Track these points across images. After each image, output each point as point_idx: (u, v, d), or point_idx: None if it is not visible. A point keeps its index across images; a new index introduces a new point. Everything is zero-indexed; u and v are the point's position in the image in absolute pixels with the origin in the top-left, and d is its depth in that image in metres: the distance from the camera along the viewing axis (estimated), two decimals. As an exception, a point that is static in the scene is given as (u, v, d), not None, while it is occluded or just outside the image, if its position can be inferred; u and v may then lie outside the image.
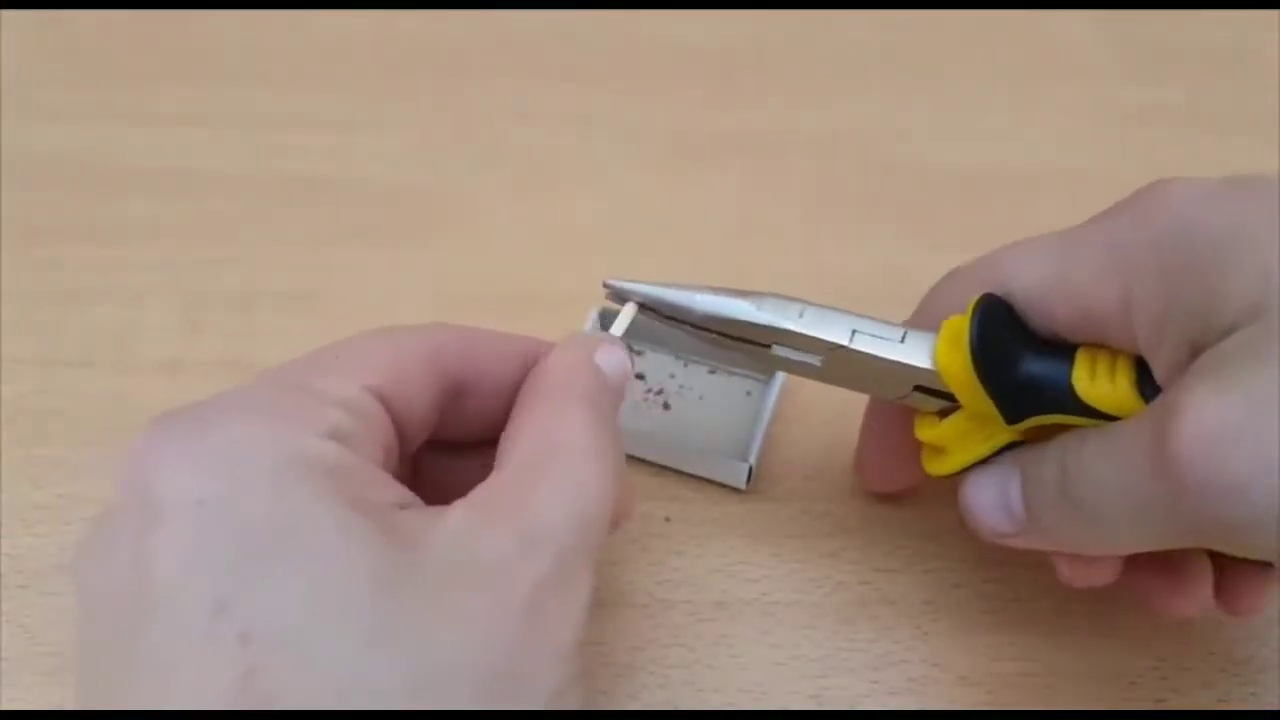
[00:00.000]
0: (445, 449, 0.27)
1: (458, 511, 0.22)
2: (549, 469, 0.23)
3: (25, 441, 0.35)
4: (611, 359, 0.26)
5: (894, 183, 0.45)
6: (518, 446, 0.23)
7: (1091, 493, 0.24)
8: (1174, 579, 0.29)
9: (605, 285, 0.29)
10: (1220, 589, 0.29)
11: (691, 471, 0.34)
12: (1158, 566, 0.29)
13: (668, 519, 0.33)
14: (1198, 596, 0.28)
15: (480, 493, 0.22)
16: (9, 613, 0.31)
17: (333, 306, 0.39)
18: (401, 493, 0.22)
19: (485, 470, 0.27)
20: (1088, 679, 0.30)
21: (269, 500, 0.20)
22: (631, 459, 0.34)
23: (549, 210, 0.43)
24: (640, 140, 0.46)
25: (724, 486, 0.34)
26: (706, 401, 0.36)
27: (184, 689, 0.19)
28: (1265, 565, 0.28)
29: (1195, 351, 0.23)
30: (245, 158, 0.44)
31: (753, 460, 0.33)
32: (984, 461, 0.28)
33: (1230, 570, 0.28)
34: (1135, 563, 0.29)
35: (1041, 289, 0.26)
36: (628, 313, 0.29)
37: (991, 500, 0.27)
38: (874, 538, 0.33)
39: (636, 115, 0.47)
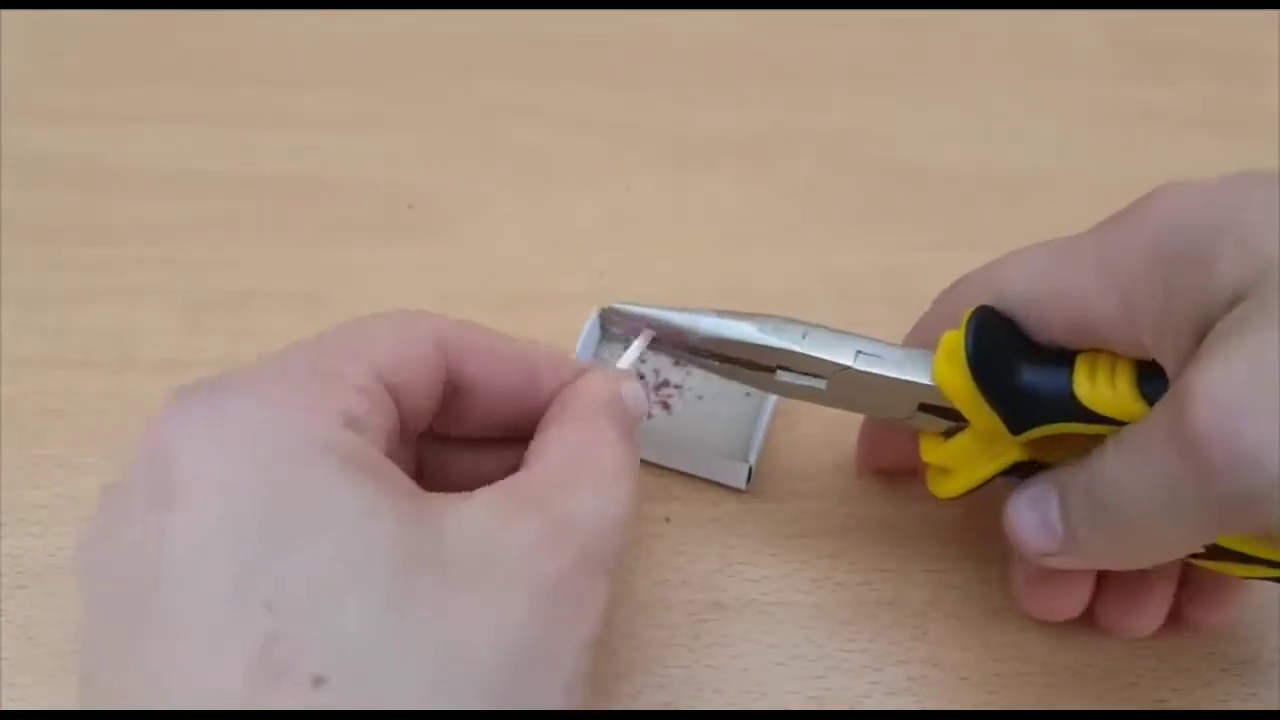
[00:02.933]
0: (441, 441, 0.27)
1: (484, 498, 0.22)
2: (580, 476, 0.24)
3: (25, 441, 0.35)
4: (635, 393, 0.27)
5: (894, 183, 0.45)
6: (548, 454, 0.24)
7: (1119, 498, 0.24)
8: (1133, 597, 0.29)
9: (610, 309, 0.30)
10: (1184, 603, 0.29)
11: (691, 471, 0.34)
12: (1120, 587, 0.29)
13: (668, 519, 0.33)
14: (1157, 614, 0.29)
15: (508, 484, 0.23)
16: (9, 613, 0.31)
17: (333, 306, 0.39)
18: (411, 483, 0.23)
19: (485, 464, 0.27)
20: (1088, 679, 0.30)
21: (291, 478, 0.20)
22: (631, 459, 0.35)
23: (549, 210, 0.43)
24: (640, 140, 0.46)
25: (724, 486, 0.34)
26: (706, 401, 0.36)
27: (201, 656, 0.19)
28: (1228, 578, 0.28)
29: (1200, 337, 0.23)
30: (244, 158, 0.44)
31: (753, 460, 0.33)
32: (992, 481, 0.28)
33: (1194, 583, 0.29)
34: (1099, 586, 0.29)
35: (1037, 297, 0.26)
36: (640, 343, 0.29)
37: (1034, 520, 0.27)
38: (874, 538, 0.33)
39: (636, 115, 0.47)
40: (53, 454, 0.34)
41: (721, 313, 0.29)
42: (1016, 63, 0.51)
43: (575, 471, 0.24)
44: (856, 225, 0.43)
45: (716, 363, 0.29)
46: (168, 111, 0.46)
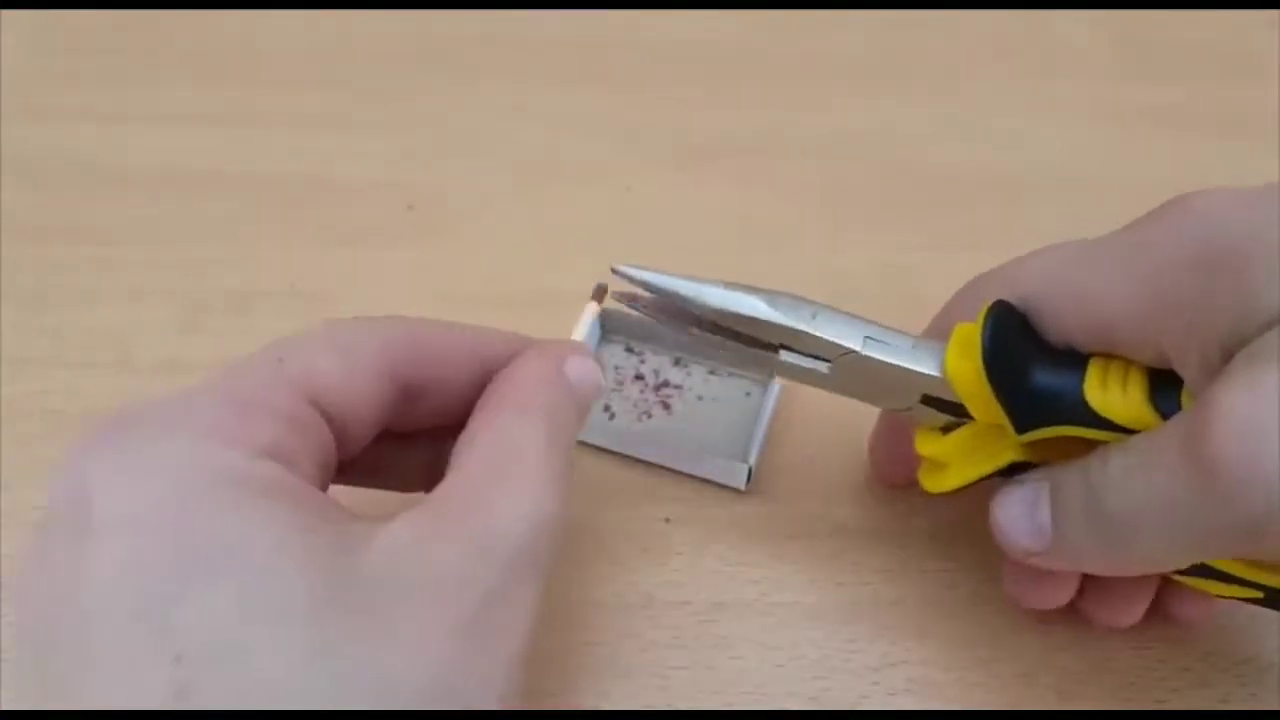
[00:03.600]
0: (399, 436, 0.26)
1: (404, 521, 0.21)
2: (502, 481, 0.22)
3: (25, 441, 0.35)
4: (580, 369, 0.25)
5: (894, 183, 0.45)
6: (472, 455, 0.23)
7: (1121, 503, 0.24)
8: (1116, 591, 0.29)
9: (614, 271, 0.28)
10: (1167, 598, 0.29)
11: (691, 472, 0.34)
12: (1102, 579, 0.29)
13: (668, 519, 0.33)
14: (1138, 608, 0.29)
15: (429, 501, 0.22)
16: (9, 613, 0.31)
17: (333, 306, 0.39)
18: (336, 510, 0.22)
19: (445, 454, 0.26)
20: (1087, 679, 0.30)
21: (202, 517, 0.20)
22: (631, 459, 0.34)
23: (549, 210, 0.43)
24: (640, 140, 0.46)
25: (724, 486, 0.34)
26: (706, 401, 0.36)
27: (114, 704, 0.18)
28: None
29: (1228, 354, 0.23)
30: (244, 158, 0.44)
31: (753, 460, 0.33)
32: (985, 480, 0.28)
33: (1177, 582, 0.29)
34: (1082, 577, 0.29)
35: (1059, 297, 0.26)
36: (590, 312, 0.28)
37: (1020, 518, 0.27)
38: (874, 538, 0.33)
39: (636, 115, 0.47)
40: (53, 454, 0.34)
41: (730, 285, 0.28)
42: (1016, 63, 0.51)
43: (498, 477, 0.22)
44: (856, 225, 0.43)
45: (718, 337, 0.28)
46: (168, 111, 0.46)
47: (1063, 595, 0.29)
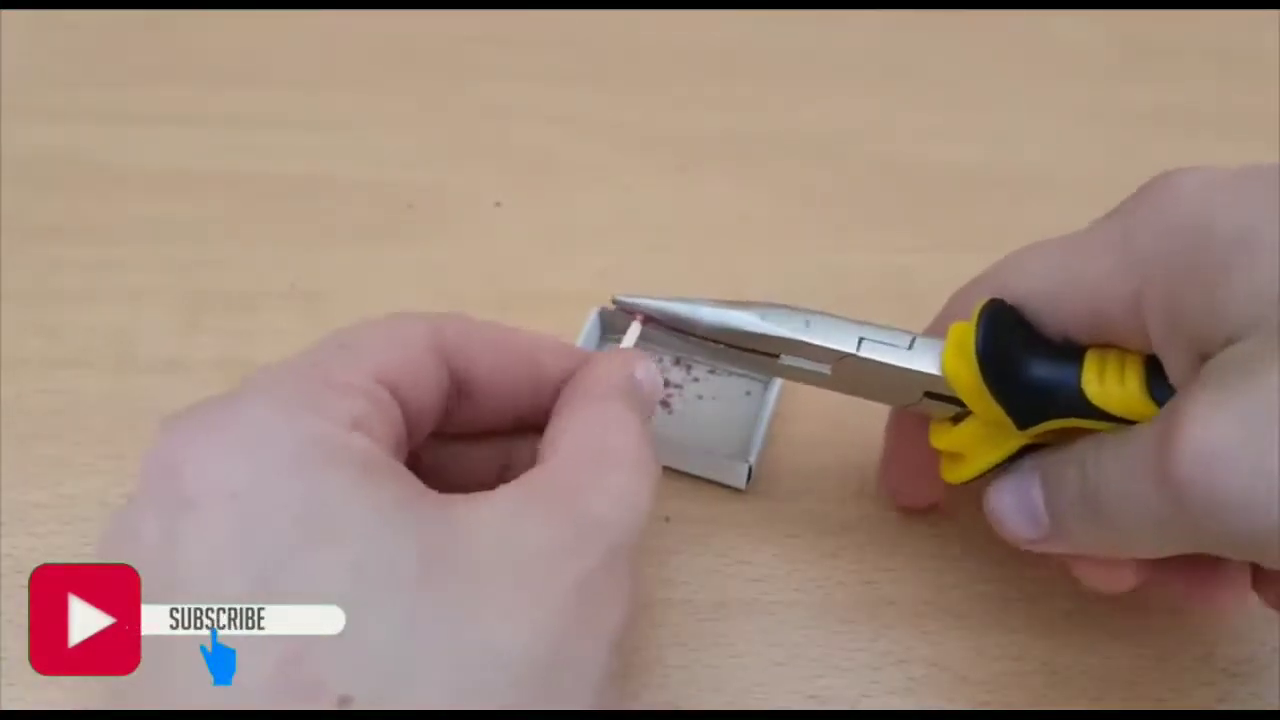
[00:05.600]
0: (437, 439, 0.27)
1: (506, 496, 0.22)
2: (601, 469, 0.23)
3: (25, 441, 0.35)
4: (649, 374, 0.27)
5: (894, 183, 0.45)
6: (564, 444, 0.24)
7: (1110, 498, 0.24)
8: (1206, 578, 0.28)
9: (614, 301, 0.29)
10: (1258, 583, 0.28)
11: (691, 471, 0.34)
12: (1187, 567, 0.28)
13: (668, 519, 0.33)
14: (1236, 591, 0.28)
15: (528, 481, 0.22)
16: (9, 613, 0.31)
17: (333, 306, 0.39)
18: (421, 484, 0.22)
19: (479, 459, 0.27)
20: (1088, 679, 0.30)
21: (304, 488, 0.20)
22: (631, 459, 0.34)
23: (549, 210, 0.43)
24: (639, 140, 0.46)
25: (724, 486, 0.34)
26: (706, 401, 0.36)
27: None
28: None
29: (1201, 357, 0.23)
30: (245, 158, 0.44)
31: (753, 460, 0.33)
32: (1002, 465, 0.28)
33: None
34: (1166, 565, 0.28)
35: (1052, 289, 0.26)
36: (634, 331, 0.29)
37: (1015, 505, 0.27)
38: (874, 537, 0.33)
39: (635, 115, 0.47)
40: (53, 454, 0.34)
41: (723, 302, 0.29)
42: (1016, 62, 0.51)
43: (596, 464, 0.23)
44: (856, 225, 0.43)
45: (719, 347, 0.29)
46: (168, 111, 0.46)
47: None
